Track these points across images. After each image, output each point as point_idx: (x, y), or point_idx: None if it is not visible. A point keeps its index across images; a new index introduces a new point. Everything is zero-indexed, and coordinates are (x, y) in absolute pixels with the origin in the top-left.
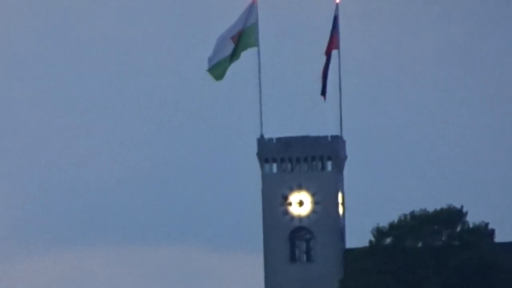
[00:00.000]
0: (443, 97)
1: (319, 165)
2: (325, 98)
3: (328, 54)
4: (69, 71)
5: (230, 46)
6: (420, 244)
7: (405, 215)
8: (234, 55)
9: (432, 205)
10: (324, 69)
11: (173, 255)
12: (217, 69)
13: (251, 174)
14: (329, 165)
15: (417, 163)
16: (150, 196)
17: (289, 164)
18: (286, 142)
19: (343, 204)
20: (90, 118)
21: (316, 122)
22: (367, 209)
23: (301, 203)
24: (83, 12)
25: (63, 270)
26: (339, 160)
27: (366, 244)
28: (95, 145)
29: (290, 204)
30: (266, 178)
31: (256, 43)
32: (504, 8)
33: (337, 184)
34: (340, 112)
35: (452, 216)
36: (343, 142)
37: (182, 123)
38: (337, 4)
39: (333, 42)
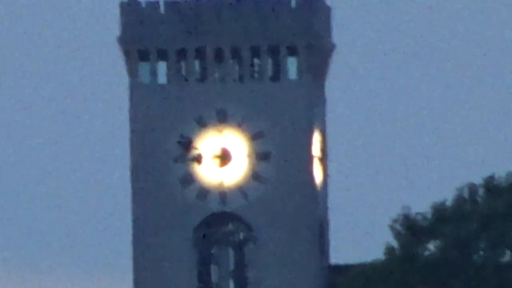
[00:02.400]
0: None
1: (269, 66)
2: None
3: None
4: None
5: None
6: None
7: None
8: None
9: None
10: None
11: None
12: None
13: (112, 83)
14: (291, 66)
15: None
16: None
17: (196, 61)
18: (186, 8)
19: (323, 160)
20: None
21: None
22: (367, 171)
23: (224, 158)
24: None
25: None
26: (317, 56)
27: (376, 255)
28: None
29: (198, 159)
30: (140, 96)
31: None
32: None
33: (310, 114)
34: None
35: None
36: (327, 11)
37: None
38: None
39: None
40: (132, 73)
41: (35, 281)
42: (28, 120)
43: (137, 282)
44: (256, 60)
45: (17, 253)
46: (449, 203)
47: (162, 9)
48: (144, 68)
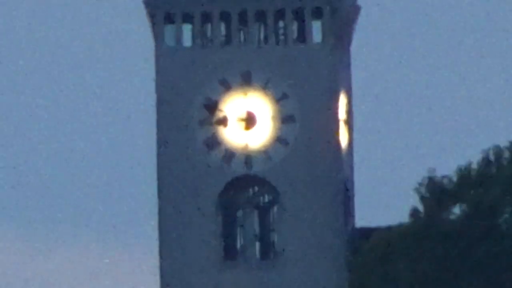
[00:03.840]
0: None
1: (294, 29)
2: None
3: None
4: None
5: None
6: None
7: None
8: None
9: None
10: None
11: None
12: None
13: (137, 50)
14: (315, 29)
15: None
16: None
17: (221, 26)
18: None
19: (348, 122)
20: None
21: None
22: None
23: (249, 120)
24: None
25: None
26: (342, 20)
27: (401, 219)
28: None
29: (223, 122)
30: (166, 60)
31: None
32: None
33: (335, 75)
34: None
35: None
36: None
37: None
38: None
39: None
40: (158, 36)
41: (59, 249)
42: (53, 84)
43: (162, 247)
44: (280, 23)
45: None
46: (474, 166)
47: None
48: (169, 31)
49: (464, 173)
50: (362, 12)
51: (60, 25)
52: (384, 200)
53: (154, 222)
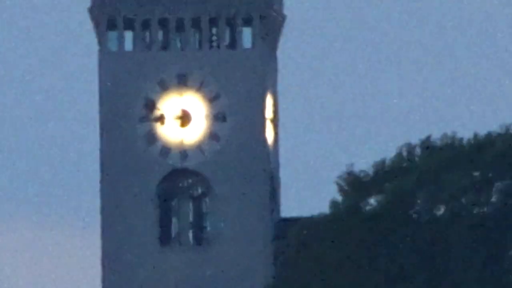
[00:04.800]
0: None
1: (226, 35)
2: None
3: None
4: None
5: None
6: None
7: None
8: None
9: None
10: None
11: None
12: None
13: (81, 53)
14: (246, 35)
15: None
16: None
17: (160, 32)
18: None
19: (274, 121)
20: None
21: None
22: (320, 134)
23: (184, 118)
24: None
25: None
26: (269, 26)
27: (321, 209)
28: None
29: (160, 119)
30: (108, 62)
31: None
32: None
33: (264, 77)
34: None
35: None
36: None
37: None
38: None
39: None
40: (101, 41)
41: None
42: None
43: (104, 233)
44: (214, 30)
45: None
46: (389, 161)
47: None
48: (112, 36)
49: (379, 167)
50: (288, 20)
51: (9, 30)
52: (308, 193)
53: (96, 210)
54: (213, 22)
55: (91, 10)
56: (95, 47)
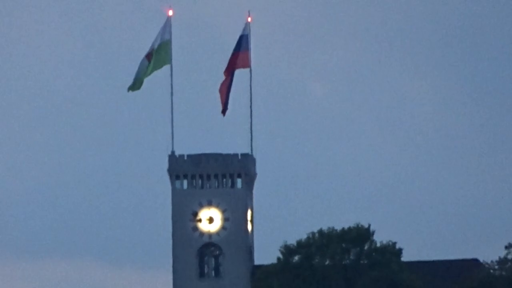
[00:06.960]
0: (350, 117)
1: (229, 182)
2: (224, 115)
3: (228, 73)
4: None
5: (145, 64)
6: (328, 262)
7: (313, 233)
8: (146, 72)
9: (340, 224)
10: (224, 87)
11: (71, 270)
12: (133, 85)
13: (162, 190)
14: (239, 182)
15: (325, 182)
16: (55, 209)
17: (200, 180)
18: (196, 159)
19: (252, 221)
20: None
21: (227, 140)
22: (276, 227)
23: (210, 220)
24: None
25: None
26: (249, 178)
27: (275, 261)
28: None
29: (199, 220)
30: (176, 194)
31: (169, 61)
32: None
33: (246, 201)
34: (251, 130)
35: (360, 235)
36: (253, 160)
37: (93, 138)
38: (248, 23)
39: (235, 62)
40: (172, 183)
41: None
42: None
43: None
44: (224, 181)
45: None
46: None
47: None
48: (178, 182)
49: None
50: (259, 176)
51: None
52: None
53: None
54: (223, 176)
55: (169, 170)
56: (169, 187)
